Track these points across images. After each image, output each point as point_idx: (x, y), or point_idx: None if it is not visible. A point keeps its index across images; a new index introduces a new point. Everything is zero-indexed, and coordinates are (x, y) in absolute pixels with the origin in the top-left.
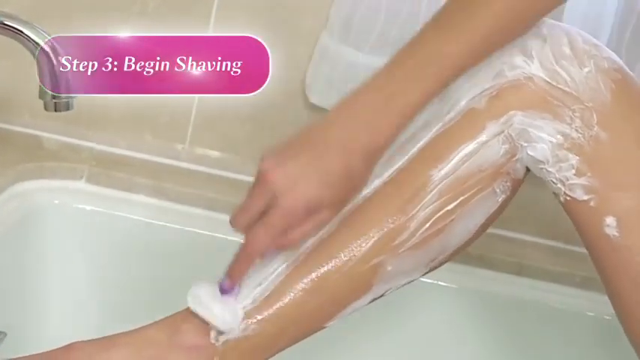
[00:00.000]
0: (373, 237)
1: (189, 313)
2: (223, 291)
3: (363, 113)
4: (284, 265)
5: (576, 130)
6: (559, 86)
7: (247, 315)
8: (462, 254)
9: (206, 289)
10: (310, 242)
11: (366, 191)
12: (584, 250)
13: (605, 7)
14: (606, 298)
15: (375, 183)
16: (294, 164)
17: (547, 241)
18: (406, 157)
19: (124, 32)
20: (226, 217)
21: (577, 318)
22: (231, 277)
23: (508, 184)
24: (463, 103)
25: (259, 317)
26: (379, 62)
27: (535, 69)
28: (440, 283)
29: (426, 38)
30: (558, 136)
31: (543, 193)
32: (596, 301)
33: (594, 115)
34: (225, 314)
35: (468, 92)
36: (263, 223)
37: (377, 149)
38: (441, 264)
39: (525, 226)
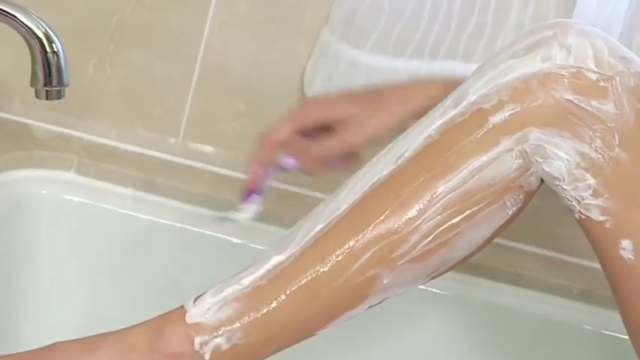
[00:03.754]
0: (371, 248)
1: (175, 316)
2: (245, 196)
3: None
4: (278, 269)
5: (596, 151)
6: (580, 104)
7: (233, 321)
8: (460, 265)
9: None
10: (305, 241)
11: (366, 188)
12: (583, 262)
13: (613, 13)
14: (604, 312)
15: (375, 179)
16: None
17: (546, 251)
18: (407, 150)
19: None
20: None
21: (574, 331)
22: (255, 161)
23: (520, 196)
24: (473, 98)
25: (246, 325)
26: (380, 62)
27: None
28: (434, 290)
29: None
30: (576, 156)
31: (545, 203)
32: (594, 315)
33: (616, 136)
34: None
35: (478, 89)
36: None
37: (419, 97)
38: (442, 273)
39: (524, 236)
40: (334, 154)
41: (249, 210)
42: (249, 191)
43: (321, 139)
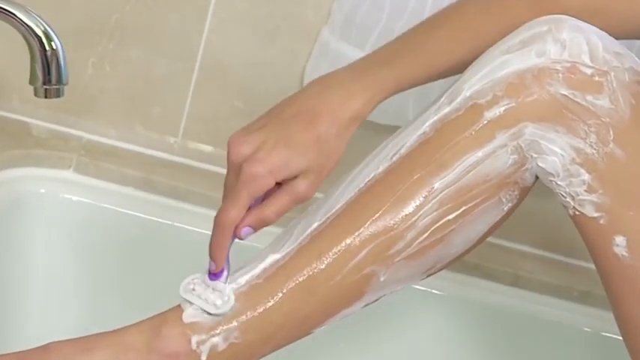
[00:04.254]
0: (367, 245)
1: (172, 316)
2: (211, 275)
3: (336, 83)
4: (274, 267)
5: (590, 146)
6: (575, 99)
7: (230, 321)
8: (457, 262)
9: (196, 278)
10: (301, 239)
11: (362, 185)
12: (582, 264)
13: None
14: (604, 313)
15: (371, 175)
16: (258, 133)
17: (545, 252)
18: (402, 147)
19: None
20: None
21: (573, 333)
22: (213, 256)
23: (515, 192)
24: (467, 93)
25: (243, 324)
26: None
27: None
28: (433, 291)
29: (407, 35)
30: (571, 151)
31: (545, 203)
32: (593, 317)
33: (611, 132)
34: (216, 298)
35: (473, 85)
36: (230, 194)
37: (350, 116)
38: (439, 270)
39: (524, 236)
40: (289, 210)
41: (223, 287)
42: (218, 271)
43: (272, 199)
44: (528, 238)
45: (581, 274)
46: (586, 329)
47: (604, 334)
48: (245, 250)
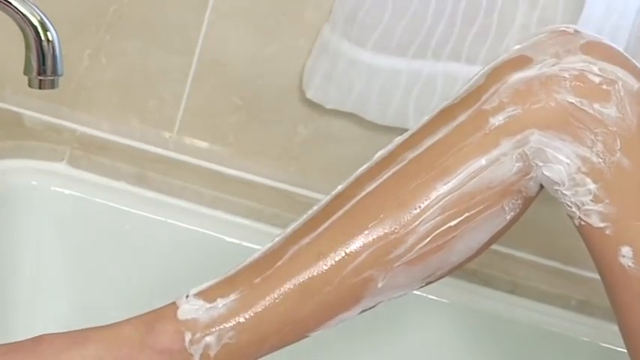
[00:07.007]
0: (367, 248)
1: (166, 312)
2: None
3: None
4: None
5: (597, 155)
6: (582, 107)
7: (226, 320)
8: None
9: None
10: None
11: (368, 189)
12: (582, 272)
13: (621, 20)
14: (602, 324)
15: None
16: None
17: (544, 260)
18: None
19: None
20: (211, 212)
21: (571, 343)
22: None
23: (519, 202)
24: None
25: (239, 324)
26: (381, 61)
27: None
28: (430, 296)
29: None
30: (577, 160)
31: (544, 210)
32: (592, 327)
33: (618, 141)
34: None
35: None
36: None
37: None
38: (438, 279)
39: (523, 243)
40: None
41: None
42: None
43: None
44: (528, 244)
45: (579, 282)
46: (584, 339)
47: (602, 344)
48: (244, 251)
